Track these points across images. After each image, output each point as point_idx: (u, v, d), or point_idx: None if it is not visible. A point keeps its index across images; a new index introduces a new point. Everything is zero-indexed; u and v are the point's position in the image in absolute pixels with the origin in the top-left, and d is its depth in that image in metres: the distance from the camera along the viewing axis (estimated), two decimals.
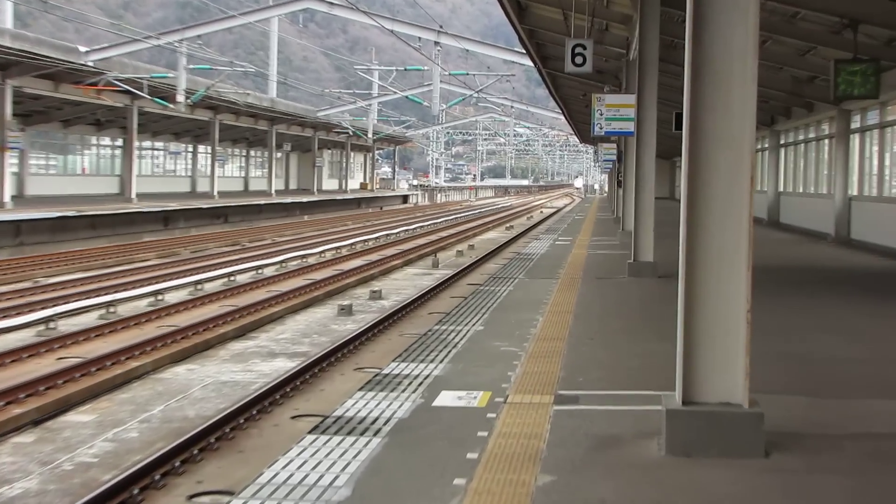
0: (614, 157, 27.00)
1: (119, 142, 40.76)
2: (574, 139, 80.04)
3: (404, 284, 18.10)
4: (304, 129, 53.08)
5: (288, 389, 9.17)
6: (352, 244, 25.38)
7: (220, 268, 19.24)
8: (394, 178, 76.74)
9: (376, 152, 74.64)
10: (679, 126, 10.20)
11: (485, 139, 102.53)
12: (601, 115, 12.95)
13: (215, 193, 40.99)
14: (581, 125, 38.43)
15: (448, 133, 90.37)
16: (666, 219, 14.21)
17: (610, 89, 19.11)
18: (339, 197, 53.63)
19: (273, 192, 47.35)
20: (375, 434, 4.92)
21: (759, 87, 5.69)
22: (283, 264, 20.30)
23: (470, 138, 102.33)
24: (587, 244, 18.90)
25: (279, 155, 57.59)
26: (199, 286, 16.29)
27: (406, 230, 31.88)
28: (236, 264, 20.25)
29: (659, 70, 12.26)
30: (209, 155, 43.68)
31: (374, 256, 22.70)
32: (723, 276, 4.51)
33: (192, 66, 33.91)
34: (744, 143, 4.48)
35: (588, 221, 29.40)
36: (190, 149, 48.11)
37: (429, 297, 15.81)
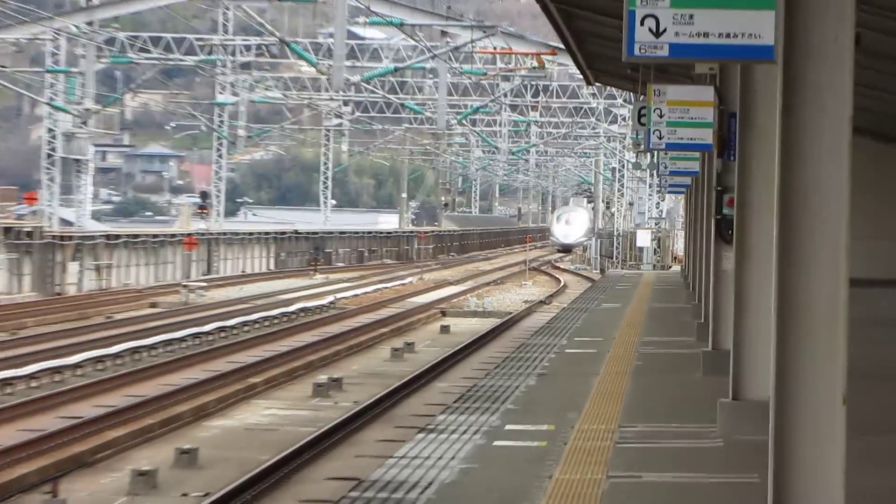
0: (706, 141, 19.72)
1: None
2: (565, 70, 58.81)
3: None
4: None
5: None
6: None
7: None
8: None
9: None
10: None
11: (247, 70, 67.46)
12: None
13: None
14: (587, 24, 26.47)
15: (116, 48, 57.43)
16: None
17: None
18: None
19: None
20: None
21: None
22: None
23: (191, 64, 66.07)
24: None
25: None
26: None
27: None
28: None
29: None
30: None
31: None
32: None
33: None
34: None
35: (612, 377, 20.28)
36: None
37: None
